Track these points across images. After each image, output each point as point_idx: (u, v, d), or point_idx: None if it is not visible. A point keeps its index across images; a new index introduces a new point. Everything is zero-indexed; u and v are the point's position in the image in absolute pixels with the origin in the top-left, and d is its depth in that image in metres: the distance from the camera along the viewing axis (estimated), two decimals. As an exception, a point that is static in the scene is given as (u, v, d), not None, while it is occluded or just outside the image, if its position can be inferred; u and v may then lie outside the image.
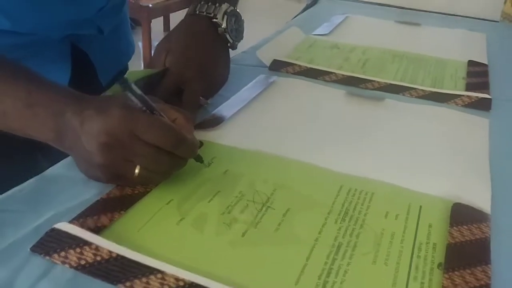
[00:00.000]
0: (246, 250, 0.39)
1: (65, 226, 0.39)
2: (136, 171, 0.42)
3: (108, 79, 0.75)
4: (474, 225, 0.43)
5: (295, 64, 0.77)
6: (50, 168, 0.48)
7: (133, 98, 0.42)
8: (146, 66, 0.62)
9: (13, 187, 0.45)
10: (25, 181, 0.47)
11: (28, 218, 0.42)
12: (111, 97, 0.44)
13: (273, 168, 0.51)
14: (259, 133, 0.58)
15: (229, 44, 0.65)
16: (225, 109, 0.63)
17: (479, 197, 0.48)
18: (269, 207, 0.45)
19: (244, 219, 0.43)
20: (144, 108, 0.43)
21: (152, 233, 0.41)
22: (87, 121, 0.42)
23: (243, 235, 0.41)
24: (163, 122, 0.43)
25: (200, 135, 0.56)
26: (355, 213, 0.44)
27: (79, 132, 0.42)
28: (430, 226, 0.43)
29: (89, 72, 0.71)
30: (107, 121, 0.41)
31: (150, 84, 0.59)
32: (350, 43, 0.91)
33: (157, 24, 2.82)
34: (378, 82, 0.74)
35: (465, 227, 0.43)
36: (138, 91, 0.42)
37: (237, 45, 0.67)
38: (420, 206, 0.46)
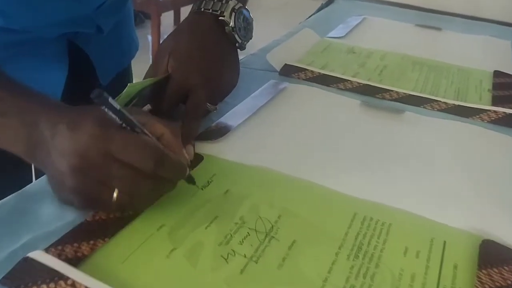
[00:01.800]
0: (245, 291, 0.35)
1: (39, 256, 0.35)
2: (114, 195, 0.37)
3: (109, 79, 0.71)
4: (505, 267, 0.38)
5: (308, 70, 0.72)
6: (31, 184, 0.44)
7: (110, 113, 0.36)
8: (148, 71, 0.57)
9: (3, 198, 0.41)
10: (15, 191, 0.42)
11: (3, 242, 0.37)
12: (88, 110, 0.39)
13: (279, 189, 0.46)
14: (266, 148, 0.53)
15: (237, 44, 0.60)
16: (230, 118, 0.58)
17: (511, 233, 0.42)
18: (273, 237, 0.40)
19: (244, 251, 0.38)
20: (123, 125, 0.38)
21: (138, 266, 0.36)
22: (58, 137, 0.37)
23: (242, 271, 0.36)
24: (141, 140, 0.38)
25: (201, 147, 0.51)
26: (370, 248, 0.39)
27: (50, 148, 0.37)
28: (455, 267, 0.38)
29: (88, 72, 0.67)
30: (78, 140, 0.36)
31: (155, 92, 0.54)
32: (367, 47, 0.86)
33: (167, 18, 2.78)
34: (396, 92, 0.68)
35: (495, 270, 0.38)
36: (117, 106, 0.36)
37: (245, 45, 0.61)
38: (444, 242, 0.41)
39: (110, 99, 0.36)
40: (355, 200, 0.45)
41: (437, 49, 0.90)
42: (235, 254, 0.37)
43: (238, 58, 0.62)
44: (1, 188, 0.45)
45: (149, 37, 2.54)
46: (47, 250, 0.36)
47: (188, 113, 0.53)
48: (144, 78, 0.55)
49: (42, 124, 0.38)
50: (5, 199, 0.42)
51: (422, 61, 0.82)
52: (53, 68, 0.62)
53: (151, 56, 2.50)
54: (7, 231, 0.38)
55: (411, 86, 0.71)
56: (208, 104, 0.56)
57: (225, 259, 0.37)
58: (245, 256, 0.37)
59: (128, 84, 0.48)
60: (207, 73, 0.55)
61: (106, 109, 0.36)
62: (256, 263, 0.37)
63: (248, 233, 0.40)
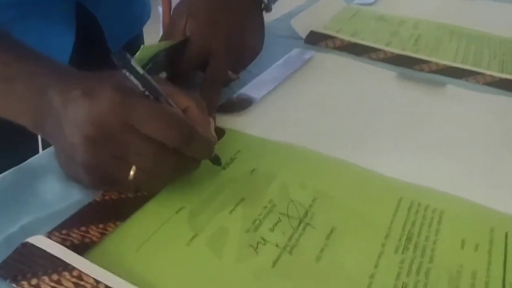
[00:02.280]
0: (278, 286, 0.30)
1: (40, 241, 0.30)
2: (131, 173, 0.32)
3: (119, 46, 0.65)
4: None
5: (336, 37, 0.66)
6: (33, 157, 0.39)
7: (132, 78, 0.31)
8: (163, 34, 0.52)
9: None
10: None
11: (-1, 224, 0.32)
12: (104, 75, 0.34)
13: (311, 169, 0.40)
14: (293, 123, 0.47)
15: (263, 5, 0.54)
16: (253, 89, 0.52)
17: None
18: (308, 224, 0.34)
19: (276, 240, 0.33)
20: (146, 93, 0.32)
21: (154, 256, 0.31)
22: (71, 104, 0.32)
23: (274, 264, 0.31)
24: (170, 111, 0.32)
25: (223, 120, 0.45)
26: (421, 240, 0.34)
27: (62, 117, 0.32)
28: (521, 263, 0.33)
29: (97, 37, 0.61)
30: (94, 107, 0.31)
31: (170, 57, 0.48)
32: (399, 14, 0.79)
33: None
34: (436, 63, 0.61)
35: None
36: (140, 70, 0.31)
37: (272, 6, 0.55)
38: (506, 233, 0.35)
39: (133, 62, 0.30)
40: (398, 182, 0.40)
41: (475, 18, 0.82)
42: (265, 243, 0.32)
43: (263, 21, 0.56)
44: (3, 163, 0.40)
45: (160, 8, 2.46)
46: (49, 234, 0.31)
47: (207, 81, 0.47)
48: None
49: (52, 90, 0.33)
50: (2, 174, 0.37)
51: (460, 30, 0.75)
52: (60, 32, 0.57)
53: (161, 28, 2.42)
54: (4, 212, 0.34)
55: (451, 57, 0.65)
56: (230, 71, 0.50)
57: (254, 249, 0.32)
58: (277, 246, 0.32)
59: (142, 47, 0.43)
60: (229, 36, 0.49)
61: (127, 73, 0.31)
62: (290, 254, 0.32)
63: (279, 218, 0.35)
